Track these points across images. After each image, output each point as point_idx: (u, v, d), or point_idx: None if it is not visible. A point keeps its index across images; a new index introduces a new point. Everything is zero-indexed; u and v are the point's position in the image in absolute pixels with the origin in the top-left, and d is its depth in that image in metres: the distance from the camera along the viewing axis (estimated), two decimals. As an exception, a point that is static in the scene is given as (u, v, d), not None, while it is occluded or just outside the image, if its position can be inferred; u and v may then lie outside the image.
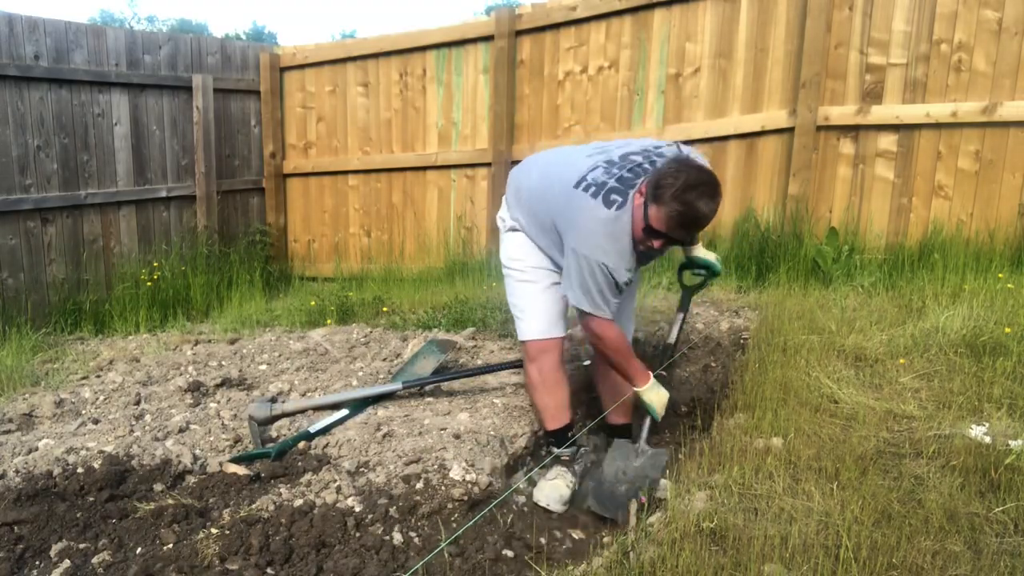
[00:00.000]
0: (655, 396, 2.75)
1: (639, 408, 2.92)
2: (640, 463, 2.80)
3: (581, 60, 5.98)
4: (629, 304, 3.10)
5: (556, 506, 2.78)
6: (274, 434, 3.22)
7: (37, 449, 2.99)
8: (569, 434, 2.99)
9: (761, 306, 4.43)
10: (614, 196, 2.49)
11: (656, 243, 2.47)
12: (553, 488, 2.79)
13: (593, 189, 2.54)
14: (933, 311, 3.77)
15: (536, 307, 2.88)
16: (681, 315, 3.11)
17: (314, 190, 7.46)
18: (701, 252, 3.02)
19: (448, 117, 6.65)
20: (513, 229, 2.98)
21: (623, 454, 2.86)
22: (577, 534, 2.69)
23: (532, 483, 2.92)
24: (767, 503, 2.24)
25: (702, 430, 3.11)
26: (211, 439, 3.13)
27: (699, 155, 2.78)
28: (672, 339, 3.09)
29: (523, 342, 2.94)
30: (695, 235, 2.55)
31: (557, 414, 2.97)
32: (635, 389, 2.75)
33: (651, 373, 2.77)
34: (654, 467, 2.76)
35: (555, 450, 3.01)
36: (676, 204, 2.32)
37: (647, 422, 2.87)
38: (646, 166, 2.58)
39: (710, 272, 3.08)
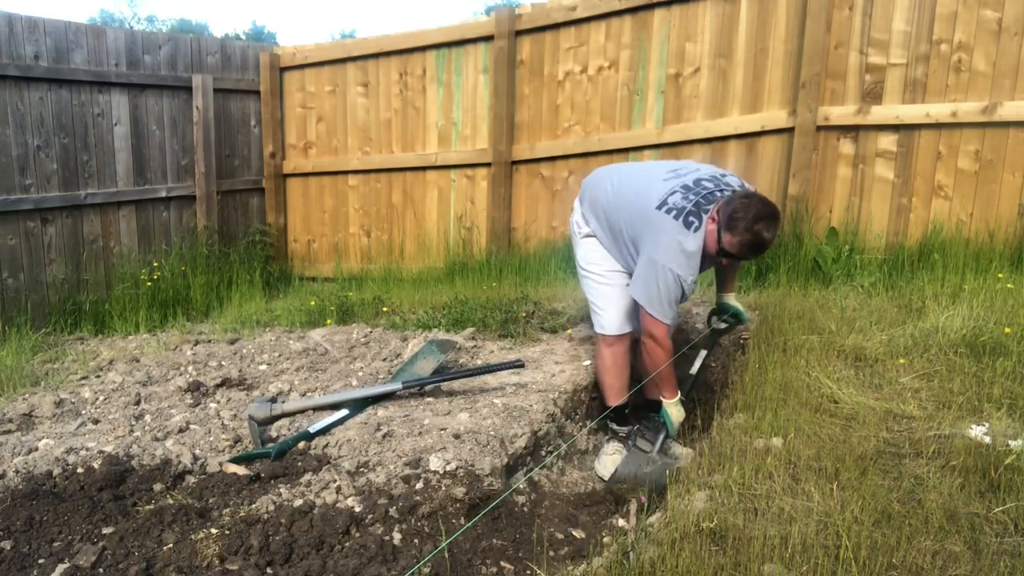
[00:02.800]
0: (676, 412, 3.17)
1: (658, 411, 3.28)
2: (651, 469, 3.11)
3: (581, 60, 5.98)
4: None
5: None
6: (274, 434, 3.22)
7: (37, 449, 2.99)
8: (626, 411, 3.56)
9: (761, 306, 4.43)
10: (691, 219, 2.95)
11: (725, 261, 3.06)
12: (612, 461, 3.22)
13: (675, 212, 2.98)
14: (933, 311, 3.77)
15: (615, 306, 3.40)
16: (704, 352, 3.54)
17: (314, 190, 7.46)
18: (732, 300, 3.51)
19: (448, 117, 6.65)
20: (588, 236, 3.44)
21: (636, 461, 3.18)
22: (578, 533, 2.69)
23: (533, 482, 2.92)
24: (767, 503, 2.24)
25: (702, 430, 3.12)
26: (211, 439, 3.13)
27: (750, 188, 3.19)
28: (694, 370, 3.48)
29: (602, 334, 3.48)
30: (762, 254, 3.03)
31: (621, 393, 3.47)
32: (663, 400, 3.18)
33: (680, 392, 3.21)
34: (661, 475, 2.99)
35: (613, 425, 3.62)
36: (748, 235, 2.80)
37: (662, 435, 3.21)
38: (716, 193, 3.02)
39: (737, 320, 3.53)
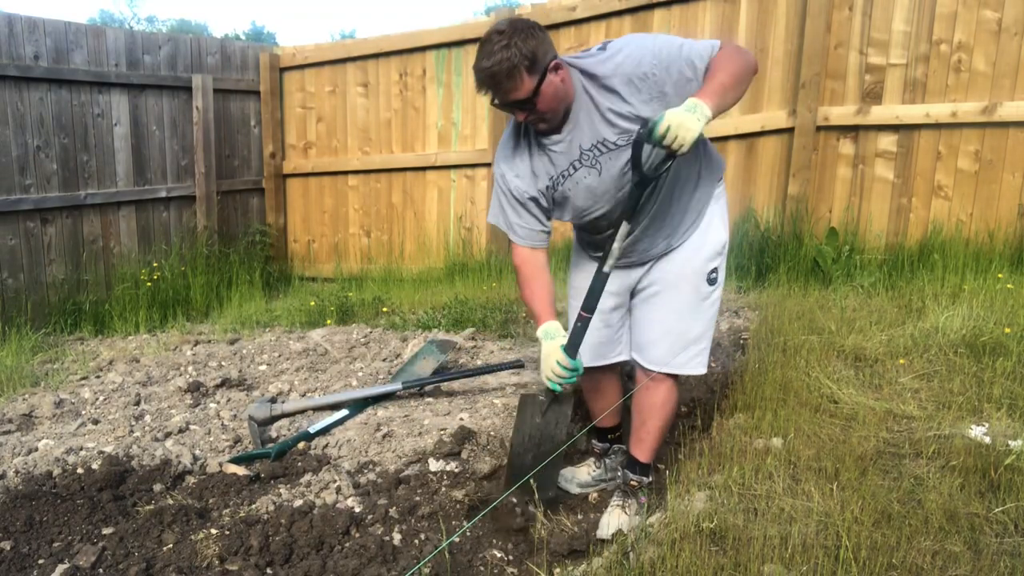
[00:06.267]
0: (544, 346, 2.41)
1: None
2: (543, 420, 2.51)
3: (581, 60, 5.98)
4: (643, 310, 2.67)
5: (571, 487, 2.93)
6: (274, 434, 3.22)
7: (37, 449, 2.99)
8: (610, 436, 3.01)
9: (761, 306, 4.43)
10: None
11: (520, 115, 2.30)
12: (573, 472, 2.97)
13: None
14: (933, 311, 3.76)
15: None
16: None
17: (314, 190, 7.46)
18: (674, 108, 2.04)
19: (448, 117, 6.65)
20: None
21: (528, 413, 2.54)
22: (577, 532, 2.69)
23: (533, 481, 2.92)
24: (767, 503, 2.24)
25: (702, 430, 3.11)
26: (211, 439, 3.13)
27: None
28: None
29: None
30: (502, 92, 2.23)
31: (606, 419, 2.98)
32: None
33: (551, 320, 2.43)
34: (558, 421, 2.49)
35: (593, 440, 3.06)
36: (476, 74, 2.24)
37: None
38: None
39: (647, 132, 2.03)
